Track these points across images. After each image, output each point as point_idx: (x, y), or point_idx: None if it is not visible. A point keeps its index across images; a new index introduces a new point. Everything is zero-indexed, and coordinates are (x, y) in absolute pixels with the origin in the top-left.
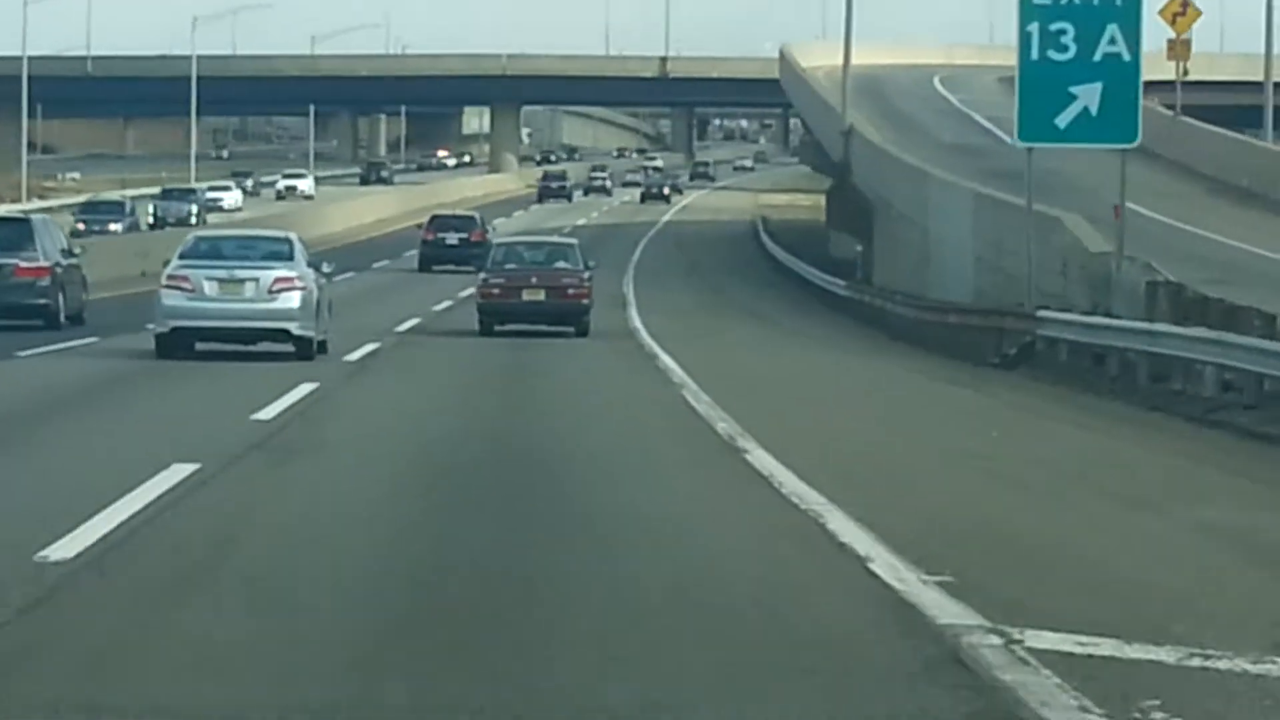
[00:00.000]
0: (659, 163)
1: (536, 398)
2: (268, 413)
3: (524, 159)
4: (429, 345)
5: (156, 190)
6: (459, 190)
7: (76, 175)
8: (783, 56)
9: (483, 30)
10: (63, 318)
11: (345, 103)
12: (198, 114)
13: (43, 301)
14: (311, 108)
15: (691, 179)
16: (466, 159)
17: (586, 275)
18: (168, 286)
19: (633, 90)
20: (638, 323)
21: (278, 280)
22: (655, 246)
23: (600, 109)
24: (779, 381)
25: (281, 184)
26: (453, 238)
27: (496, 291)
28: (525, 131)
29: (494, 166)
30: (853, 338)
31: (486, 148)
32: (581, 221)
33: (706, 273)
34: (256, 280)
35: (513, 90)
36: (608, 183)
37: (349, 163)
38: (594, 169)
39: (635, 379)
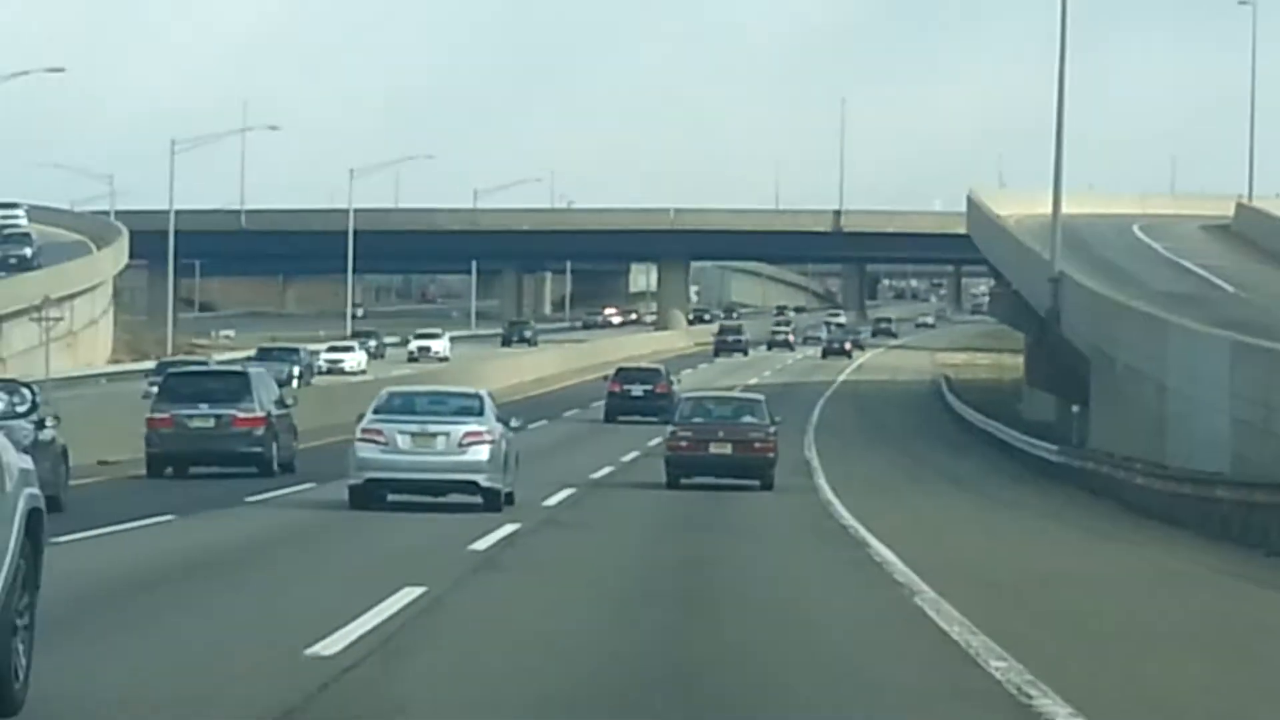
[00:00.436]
0: (842, 319)
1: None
2: (482, 543)
3: (693, 319)
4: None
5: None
6: (622, 349)
7: (231, 333)
8: (971, 203)
9: (649, 186)
10: (275, 465)
11: (507, 258)
12: (355, 270)
13: (258, 450)
14: (474, 264)
15: (873, 335)
16: (633, 316)
17: (772, 430)
18: (362, 439)
19: (804, 245)
20: (829, 494)
21: (468, 434)
22: (834, 406)
23: (769, 266)
24: (1040, 582)
25: (414, 345)
26: (638, 389)
27: (684, 444)
28: (693, 289)
29: (661, 323)
30: (1086, 513)
31: (654, 305)
32: (754, 380)
33: (893, 434)
34: (448, 434)
35: (681, 245)
36: (790, 337)
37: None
38: (776, 322)
39: (846, 577)
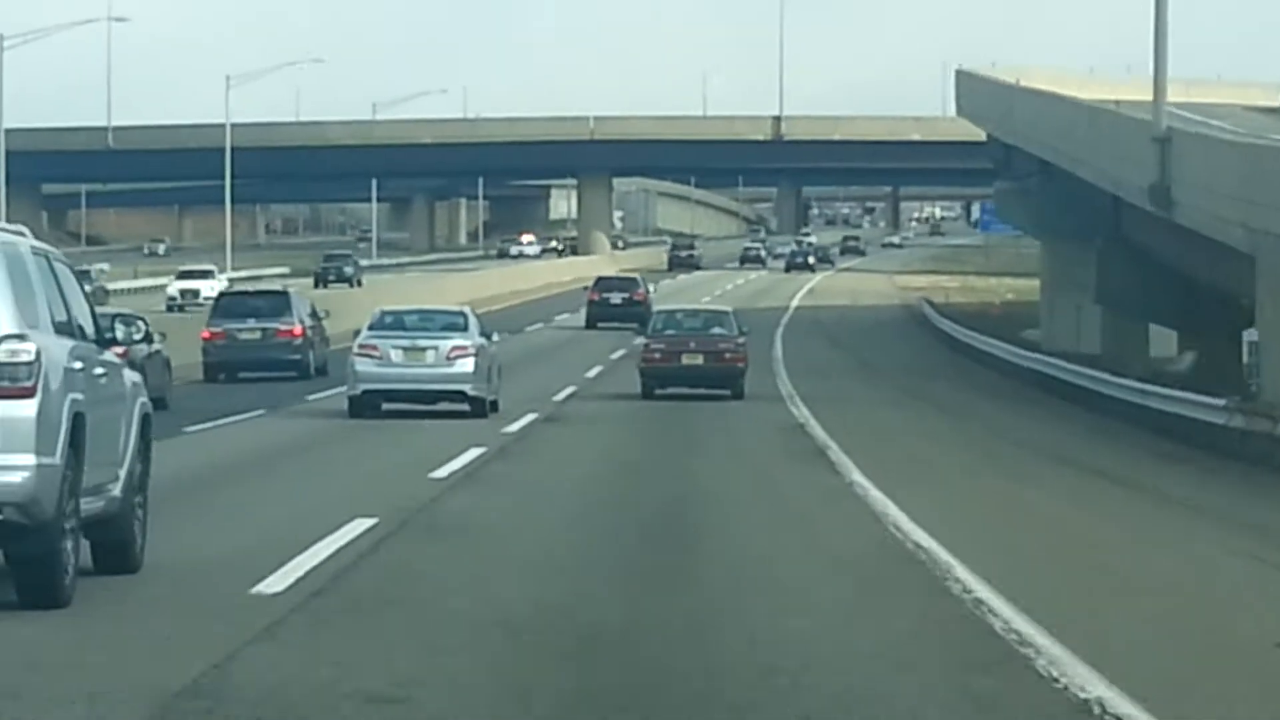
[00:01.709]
0: (812, 237)
1: None
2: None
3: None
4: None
5: None
6: (531, 277)
7: (105, 267)
8: (968, 78)
9: (567, 98)
10: (313, 370)
11: (408, 175)
12: (251, 199)
13: (297, 357)
14: (373, 184)
15: (842, 253)
16: (554, 244)
17: (741, 340)
18: (359, 354)
19: (740, 155)
20: (866, 484)
21: (454, 348)
22: (798, 339)
23: (698, 191)
24: None
25: (175, 287)
26: (616, 297)
27: (658, 356)
28: (617, 215)
29: (583, 248)
30: None
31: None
32: (706, 299)
33: (889, 373)
34: (436, 348)
35: (602, 158)
36: (763, 252)
37: (425, 253)
38: (752, 239)
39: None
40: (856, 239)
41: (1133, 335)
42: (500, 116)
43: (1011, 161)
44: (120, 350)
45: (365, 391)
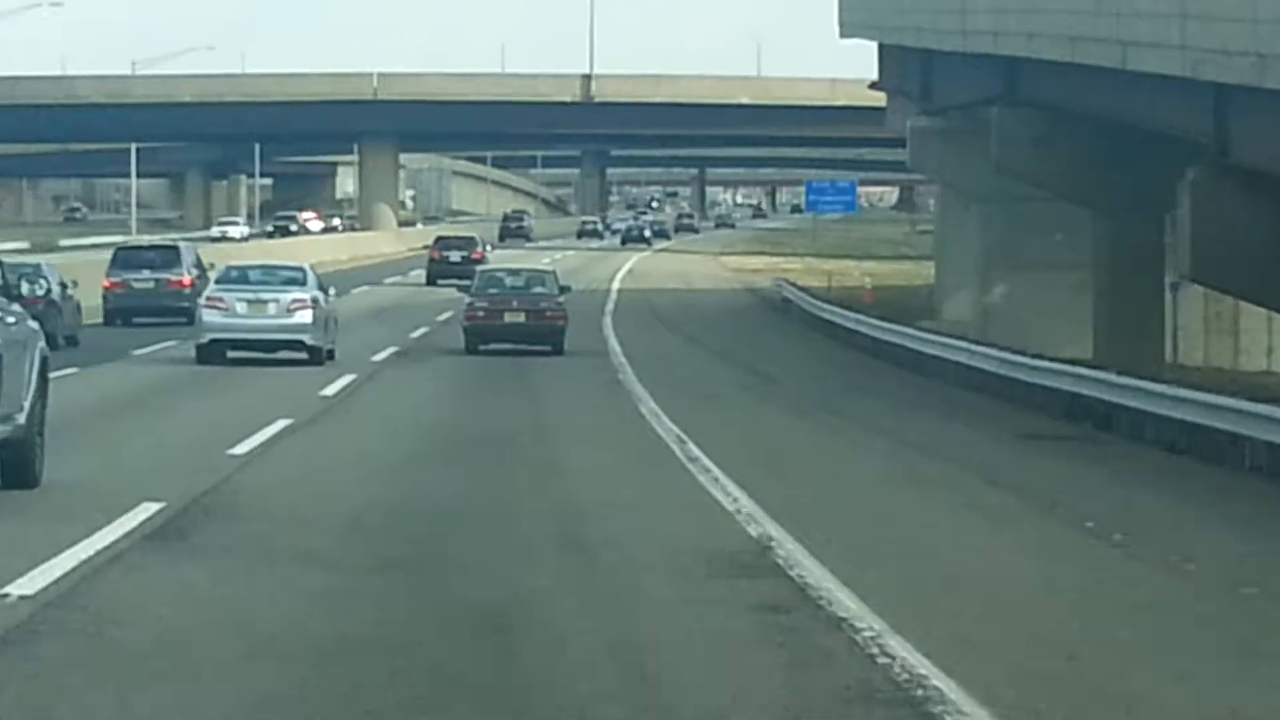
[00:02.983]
0: (649, 215)
1: None
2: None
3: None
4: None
5: None
6: (302, 254)
7: None
8: None
9: (352, 58)
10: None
11: (168, 138)
12: (19, 174)
13: (186, 304)
14: (132, 150)
15: (677, 230)
16: (336, 223)
17: (561, 299)
18: (207, 306)
19: (544, 118)
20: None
21: (294, 300)
22: (637, 334)
23: (495, 171)
24: None
25: None
26: (455, 255)
27: (481, 314)
28: (408, 194)
29: (364, 222)
30: None
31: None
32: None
33: (802, 391)
34: (278, 300)
35: (387, 120)
36: (599, 226)
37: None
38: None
39: None
40: (691, 216)
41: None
42: (271, 72)
43: (932, 88)
44: (37, 297)
45: (212, 340)
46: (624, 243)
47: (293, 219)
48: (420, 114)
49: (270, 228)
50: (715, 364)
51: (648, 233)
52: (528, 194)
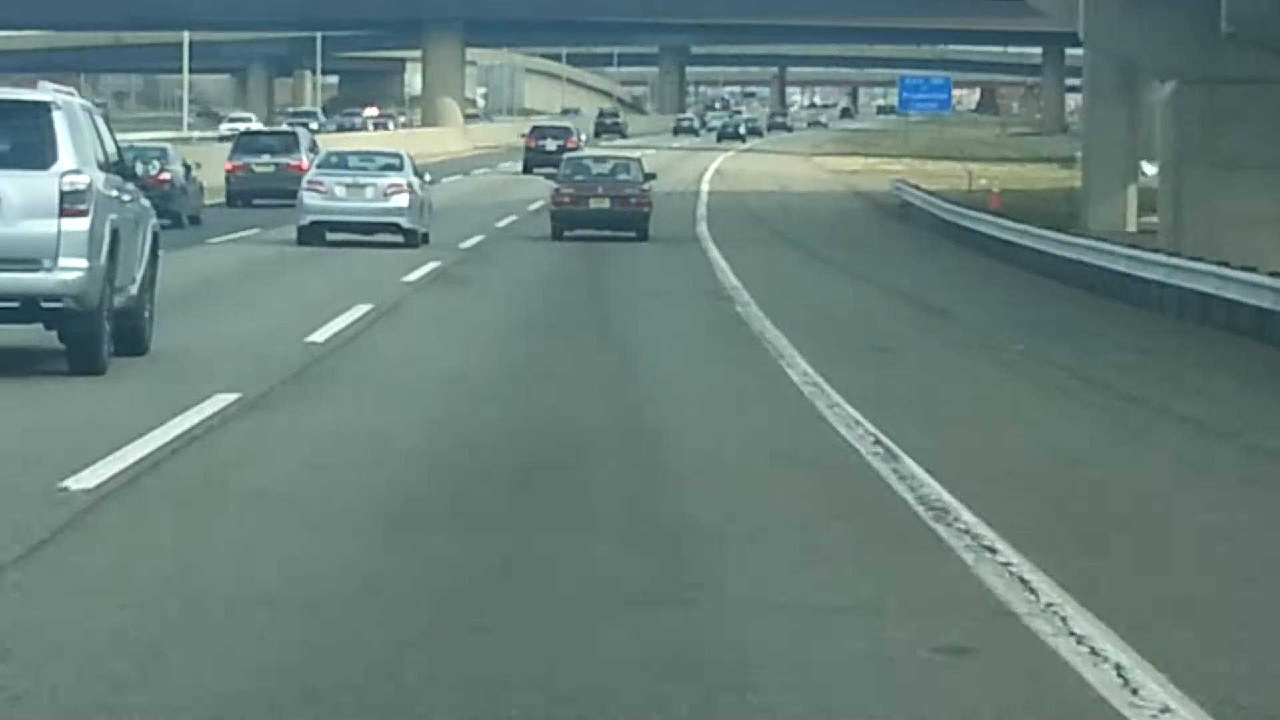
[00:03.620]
0: (744, 113)
1: None
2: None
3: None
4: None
5: None
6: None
7: None
8: None
9: None
10: None
11: (223, 25)
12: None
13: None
14: (185, 42)
15: (770, 129)
16: (402, 119)
17: (646, 186)
18: (308, 189)
19: (622, 6)
20: None
21: (391, 185)
22: (748, 249)
23: (569, 68)
24: None
25: None
26: (551, 144)
27: (567, 200)
28: (480, 91)
29: (429, 118)
30: None
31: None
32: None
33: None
34: (375, 185)
35: (452, 6)
36: (696, 123)
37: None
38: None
39: None
40: (785, 114)
41: None
42: None
43: None
44: (162, 176)
45: (313, 222)
46: (719, 139)
47: (357, 114)
48: (489, 1)
49: (335, 126)
50: (858, 291)
51: (743, 129)
52: (604, 93)
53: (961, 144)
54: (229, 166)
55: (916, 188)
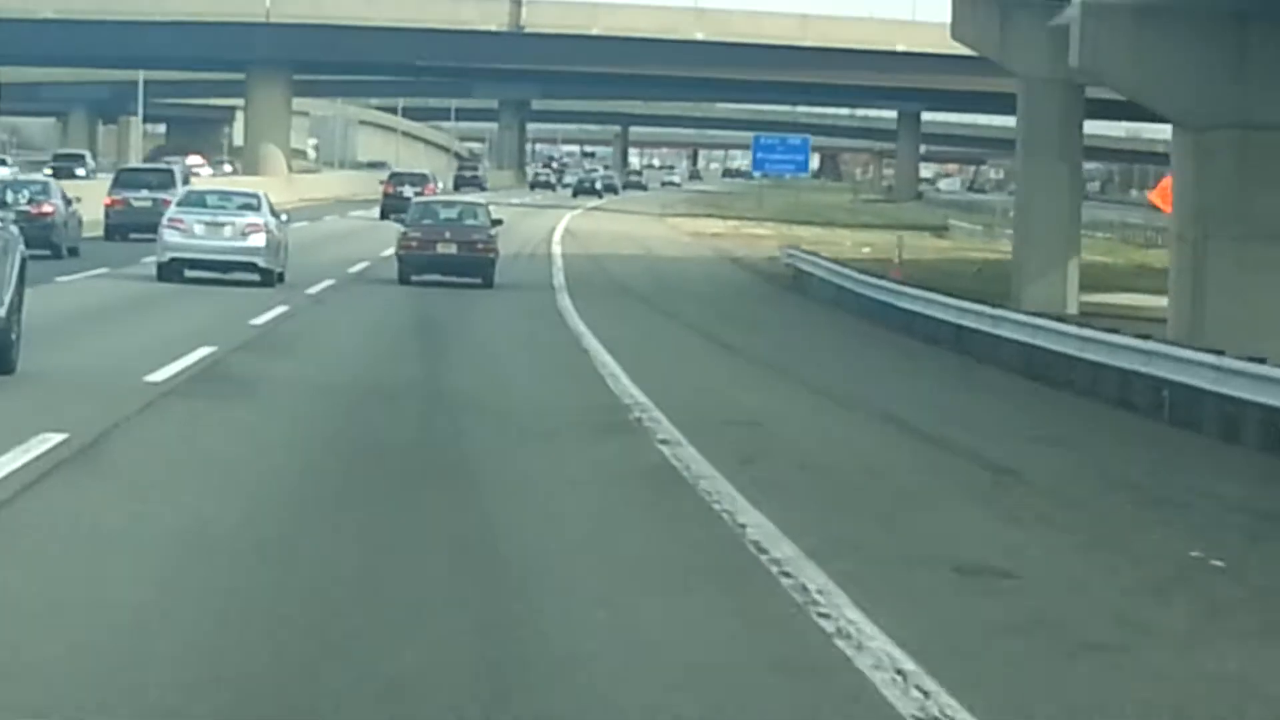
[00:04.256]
0: (599, 170)
1: None
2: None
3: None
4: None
5: None
6: None
7: None
8: None
9: None
10: None
11: (25, 60)
12: None
13: None
14: None
15: (624, 187)
16: (227, 168)
17: (493, 232)
18: (168, 226)
19: (465, 49)
20: None
21: (249, 225)
22: (613, 321)
23: (405, 121)
24: None
25: None
26: (408, 191)
27: (414, 244)
28: (312, 143)
29: (249, 167)
30: None
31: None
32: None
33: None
34: (234, 224)
35: (278, 44)
36: (553, 178)
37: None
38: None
39: None
40: (639, 173)
41: None
42: None
43: None
44: (44, 209)
45: (172, 259)
46: (575, 194)
47: (80, 160)
48: (318, 40)
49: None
50: (819, 410)
51: (599, 185)
52: (440, 147)
53: (818, 209)
54: (108, 201)
55: (815, 254)
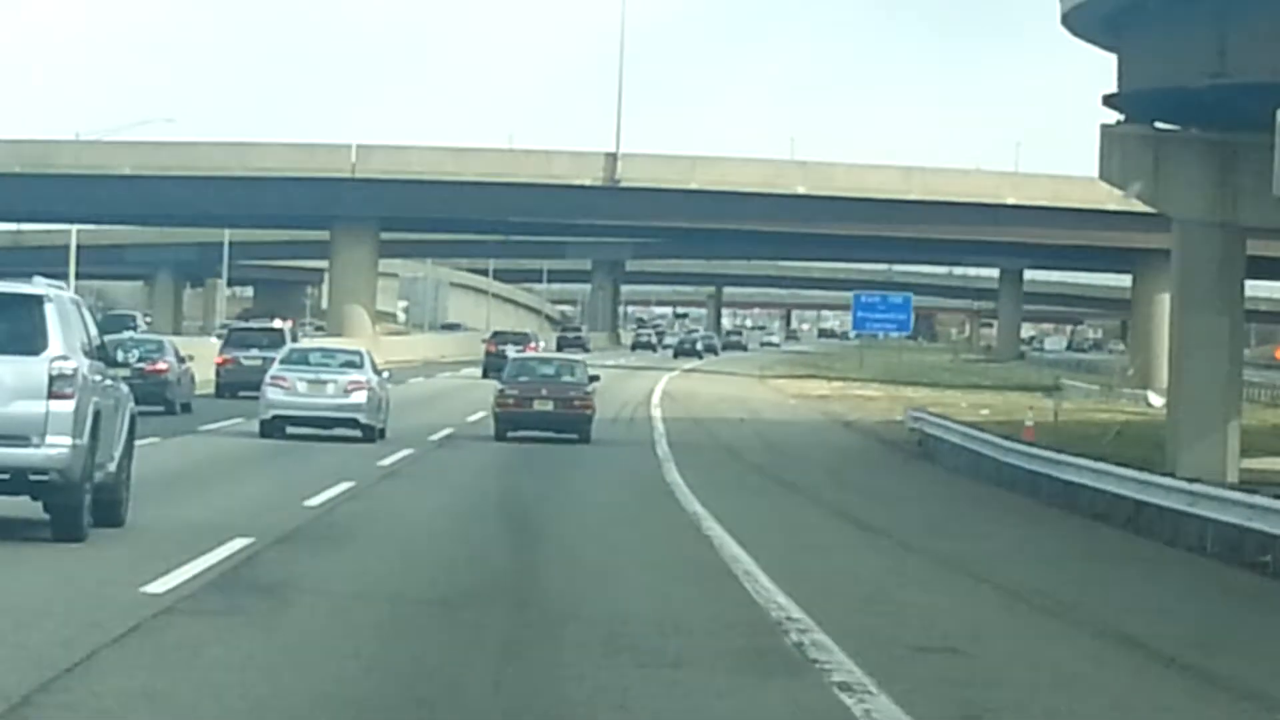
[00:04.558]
0: (699, 333)
1: None
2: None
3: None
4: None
5: None
6: None
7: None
8: None
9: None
10: None
11: (102, 218)
12: None
13: None
14: (72, 239)
15: (725, 347)
16: (318, 330)
17: (589, 389)
18: (271, 384)
19: (565, 206)
20: None
21: (351, 382)
22: (738, 503)
23: (497, 284)
24: None
25: None
26: (511, 349)
27: (511, 402)
28: (401, 305)
29: (334, 328)
30: None
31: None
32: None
33: None
34: (336, 381)
35: (364, 200)
36: (653, 338)
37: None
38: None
39: None
40: (739, 333)
41: None
42: (227, 141)
43: None
44: (158, 366)
45: (275, 416)
46: (676, 355)
47: (129, 320)
48: (405, 196)
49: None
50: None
51: (699, 345)
52: (531, 309)
53: (920, 369)
54: (219, 360)
55: (944, 417)
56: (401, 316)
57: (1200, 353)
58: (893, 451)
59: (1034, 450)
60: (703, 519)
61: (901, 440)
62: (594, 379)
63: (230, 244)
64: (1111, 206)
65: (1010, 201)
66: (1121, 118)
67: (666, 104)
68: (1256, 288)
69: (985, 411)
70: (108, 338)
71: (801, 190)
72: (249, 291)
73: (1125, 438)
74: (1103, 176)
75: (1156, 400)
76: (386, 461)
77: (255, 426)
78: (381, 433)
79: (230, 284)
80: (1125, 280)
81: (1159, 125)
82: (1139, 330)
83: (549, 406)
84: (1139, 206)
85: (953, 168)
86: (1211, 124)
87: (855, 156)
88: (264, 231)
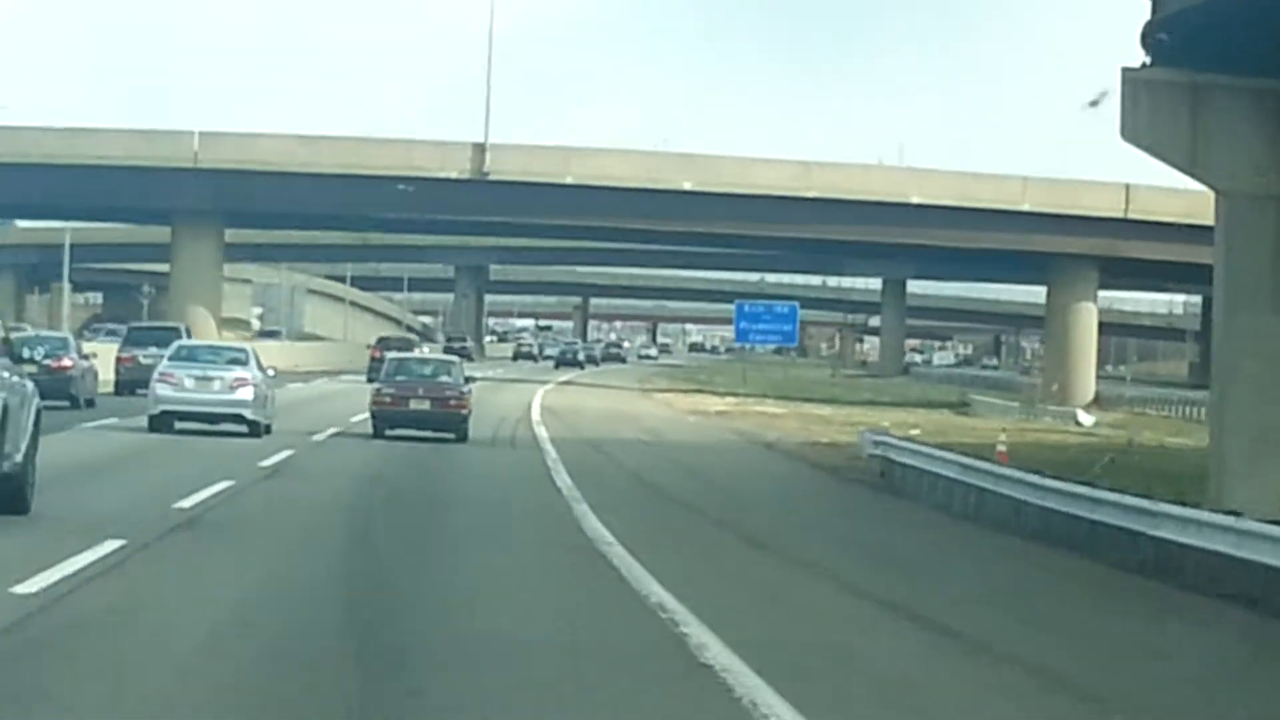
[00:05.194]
0: (581, 344)
1: None
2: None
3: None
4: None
5: None
6: None
7: None
8: None
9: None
10: None
11: None
12: None
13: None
14: None
15: (603, 359)
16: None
17: (466, 389)
18: (159, 380)
19: (424, 200)
20: None
21: (237, 379)
22: (695, 574)
23: (356, 291)
24: None
25: None
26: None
27: (388, 400)
28: (256, 312)
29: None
30: None
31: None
32: None
33: None
34: (222, 378)
35: (208, 192)
36: (535, 349)
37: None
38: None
39: None
40: (619, 346)
41: None
42: (57, 126)
43: None
44: (64, 363)
45: (163, 411)
46: (557, 365)
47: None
48: (254, 187)
49: None
50: None
51: (581, 356)
52: (391, 319)
53: (806, 385)
54: (119, 358)
55: (913, 440)
56: (256, 324)
57: (1250, 362)
58: (845, 483)
59: (1078, 490)
60: (673, 612)
61: (847, 467)
62: (470, 379)
63: (73, 246)
64: (1025, 207)
65: (915, 200)
66: (1148, 60)
67: (541, 102)
68: None
69: (915, 431)
70: None
71: (687, 186)
72: (99, 298)
73: (1119, 466)
74: (1125, 135)
75: (1086, 419)
76: (268, 462)
77: (145, 422)
78: (268, 428)
79: (77, 289)
80: (1002, 292)
81: (1197, 77)
82: (1055, 344)
83: (425, 405)
84: (1056, 207)
85: (854, 163)
86: (1265, 69)
87: (745, 152)
88: (108, 232)
